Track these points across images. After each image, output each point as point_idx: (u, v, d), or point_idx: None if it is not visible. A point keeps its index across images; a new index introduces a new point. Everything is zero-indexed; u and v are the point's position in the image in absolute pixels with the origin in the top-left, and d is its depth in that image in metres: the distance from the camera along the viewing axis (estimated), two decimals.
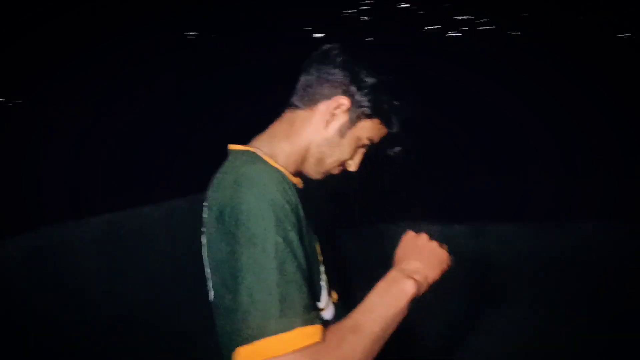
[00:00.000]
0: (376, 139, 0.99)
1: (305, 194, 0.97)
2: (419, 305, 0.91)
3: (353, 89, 0.93)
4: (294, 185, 0.91)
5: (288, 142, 0.95)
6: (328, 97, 0.94)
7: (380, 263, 1.00)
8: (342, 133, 0.95)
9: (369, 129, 0.97)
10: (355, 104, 0.94)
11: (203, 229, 0.90)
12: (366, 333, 0.74)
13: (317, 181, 1.02)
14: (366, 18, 11.75)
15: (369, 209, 3.94)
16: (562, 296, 3.30)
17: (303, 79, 0.98)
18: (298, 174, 0.99)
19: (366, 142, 0.98)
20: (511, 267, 3.58)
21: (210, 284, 0.90)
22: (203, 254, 0.92)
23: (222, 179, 0.87)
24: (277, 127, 0.99)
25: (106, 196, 5.03)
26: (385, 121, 0.97)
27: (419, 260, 0.88)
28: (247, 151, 0.92)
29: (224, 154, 0.97)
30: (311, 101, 0.96)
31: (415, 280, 0.84)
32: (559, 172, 5.61)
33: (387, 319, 0.78)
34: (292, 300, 0.70)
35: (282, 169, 0.91)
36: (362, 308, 0.80)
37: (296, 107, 0.98)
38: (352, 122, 0.95)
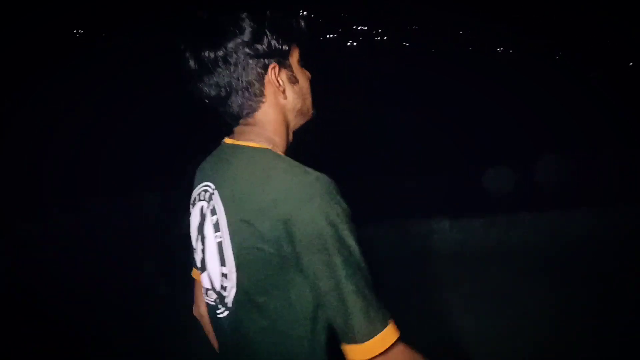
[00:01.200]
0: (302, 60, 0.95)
1: None
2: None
3: (262, 51, 0.87)
4: None
5: (277, 135, 0.92)
6: (262, 81, 0.88)
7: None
8: (293, 82, 0.92)
9: (298, 56, 0.93)
10: (277, 58, 0.89)
11: (219, 222, 0.87)
12: None
13: None
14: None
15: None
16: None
17: (216, 91, 0.89)
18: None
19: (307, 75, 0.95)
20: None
21: (230, 283, 0.88)
22: (223, 250, 0.88)
23: (271, 184, 0.82)
24: (254, 128, 0.92)
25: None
26: (297, 38, 0.92)
27: None
28: (267, 150, 0.89)
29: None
30: (254, 99, 0.89)
31: None
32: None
33: None
34: (376, 303, 0.78)
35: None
36: None
37: (248, 114, 0.91)
38: (287, 66, 0.91)
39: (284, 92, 0.91)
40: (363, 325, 0.77)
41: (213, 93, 0.89)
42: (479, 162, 5.44)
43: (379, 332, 0.77)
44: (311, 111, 0.98)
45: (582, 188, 4.70)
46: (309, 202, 0.78)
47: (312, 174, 0.83)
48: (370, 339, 0.76)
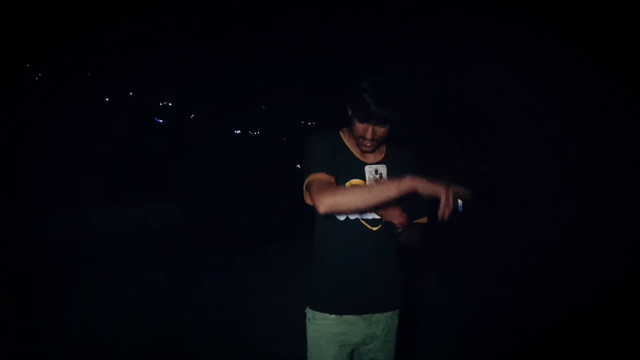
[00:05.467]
0: (366, 125, 1.53)
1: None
2: None
3: (350, 111, 1.58)
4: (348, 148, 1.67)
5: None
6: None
7: None
8: (352, 133, 1.61)
9: (356, 124, 1.55)
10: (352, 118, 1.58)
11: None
12: (364, 192, 1.36)
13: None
14: None
15: None
16: None
17: None
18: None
19: (360, 131, 1.54)
20: None
21: None
22: None
23: None
24: None
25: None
26: (359, 119, 1.52)
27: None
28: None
29: None
30: None
31: (414, 179, 1.34)
32: None
33: (380, 191, 1.35)
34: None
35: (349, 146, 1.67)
36: (373, 185, 1.44)
37: None
38: (351, 123, 1.58)
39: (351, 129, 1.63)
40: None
41: None
42: None
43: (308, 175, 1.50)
44: (360, 143, 1.59)
45: None
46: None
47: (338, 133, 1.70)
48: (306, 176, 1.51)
